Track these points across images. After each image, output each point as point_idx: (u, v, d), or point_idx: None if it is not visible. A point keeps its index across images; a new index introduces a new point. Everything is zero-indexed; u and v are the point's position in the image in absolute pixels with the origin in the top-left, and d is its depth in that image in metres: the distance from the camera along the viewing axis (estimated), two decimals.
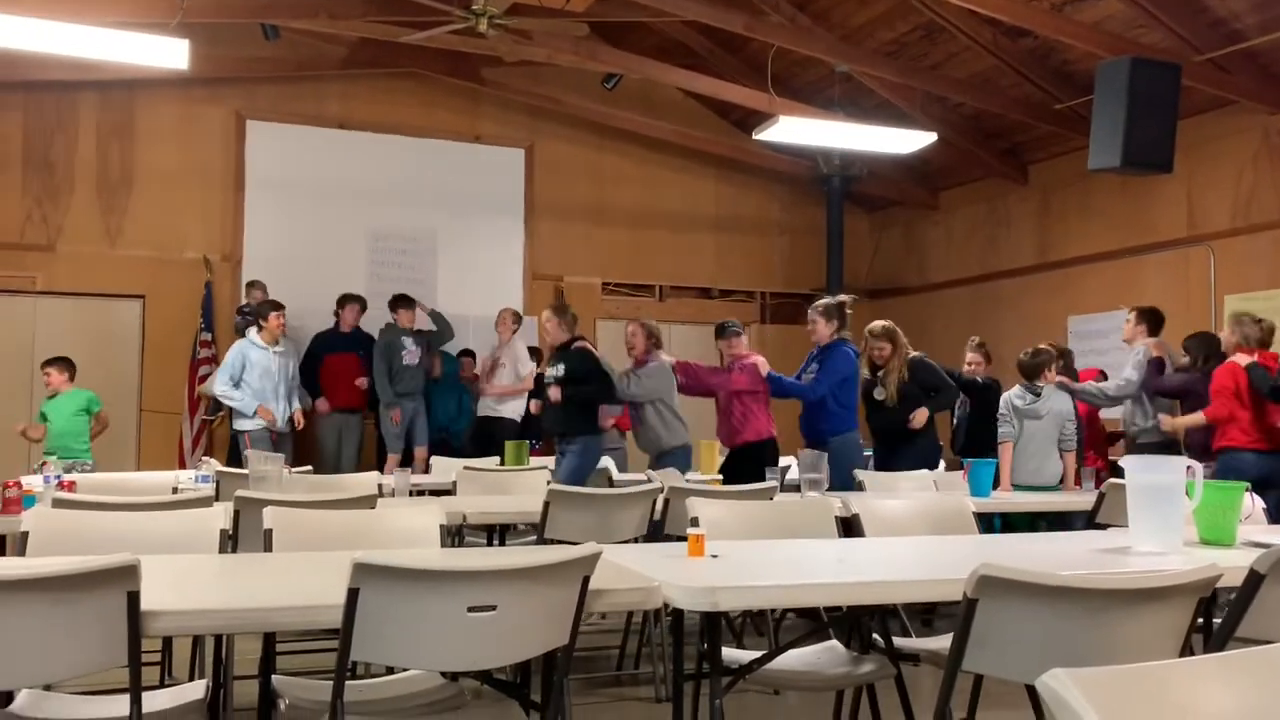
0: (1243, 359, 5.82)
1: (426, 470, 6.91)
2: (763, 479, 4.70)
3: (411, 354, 8.18)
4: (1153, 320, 6.66)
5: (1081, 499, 5.16)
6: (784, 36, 8.26)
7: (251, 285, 8.60)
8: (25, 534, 2.70)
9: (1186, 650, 2.07)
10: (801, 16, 8.57)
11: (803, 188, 10.95)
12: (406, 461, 7.74)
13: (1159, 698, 1.19)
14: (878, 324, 6.34)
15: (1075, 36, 7.25)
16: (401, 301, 8.36)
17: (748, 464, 5.67)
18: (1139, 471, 2.78)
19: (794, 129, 7.95)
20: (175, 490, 4.38)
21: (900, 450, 6.10)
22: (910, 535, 3.31)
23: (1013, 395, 5.96)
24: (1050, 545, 3.22)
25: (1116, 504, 4.42)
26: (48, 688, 2.44)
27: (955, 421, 7.13)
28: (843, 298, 6.40)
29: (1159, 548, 2.66)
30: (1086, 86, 7.27)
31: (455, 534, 4.34)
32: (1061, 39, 7.42)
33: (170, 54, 6.20)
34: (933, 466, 5.90)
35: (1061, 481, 5.85)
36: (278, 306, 7.76)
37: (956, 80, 8.66)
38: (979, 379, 6.96)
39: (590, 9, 7.34)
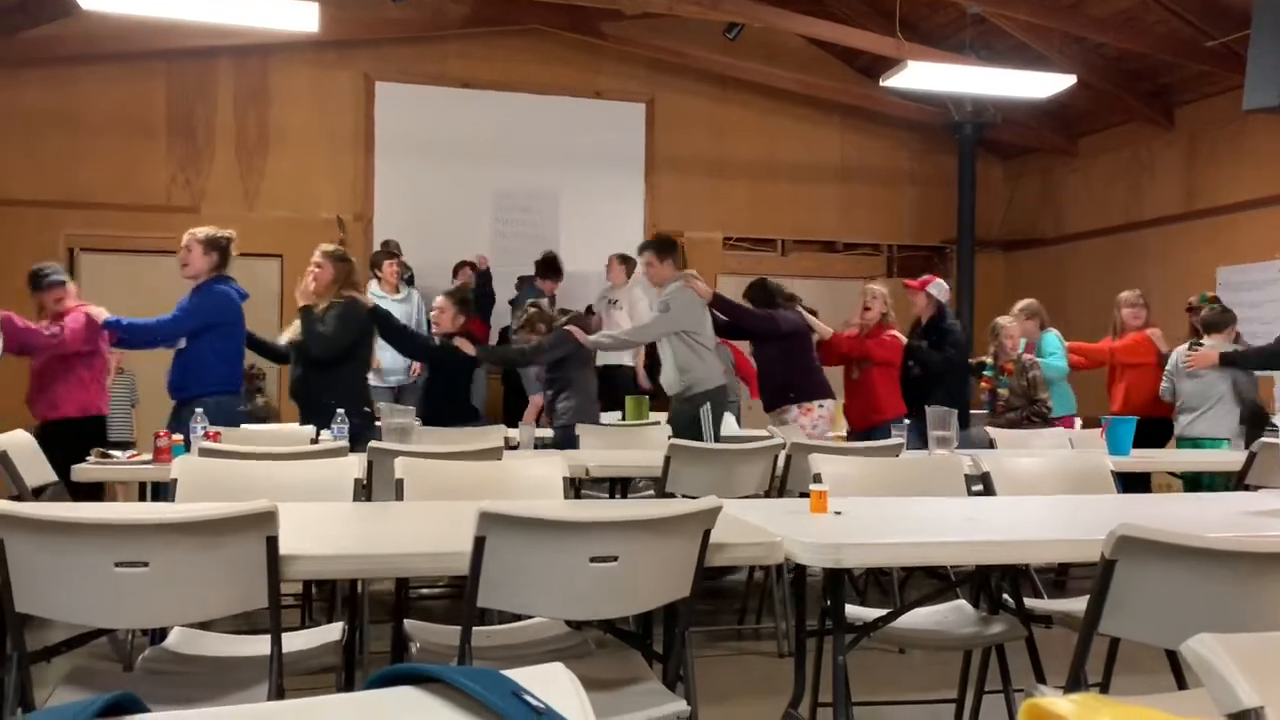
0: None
1: (539, 419, 7.02)
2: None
3: None
4: (666, 248, 5.80)
5: (1232, 458, 4.91)
6: None
7: (385, 245, 8.80)
8: (174, 481, 2.85)
9: None
10: None
11: (933, 136, 10.61)
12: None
13: None
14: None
15: None
16: (548, 270, 8.44)
17: (56, 447, 4.15)
18: None
19: (923, 74, 7.68)
20: (313, 441, 4.55)
21: (312, 409, 4.92)
22: (1044, 494, 3.20)
23: (1178, 351, 6.08)
24: (1194, 506, 3.07)
25: (1269, 465, 4.19)
26: (200, 627, 2.57)
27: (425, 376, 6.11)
28: (228, 233, 5.17)
29: None
30: (1242, 20, 6.79)
31: (575, 487, 4.40)
32: None
33: (301, 17, 6.36)
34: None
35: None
36: (390, 255, 7.92)
37: (1098, 19, 8.21)
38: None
39: None
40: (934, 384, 6.05)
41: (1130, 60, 8.79)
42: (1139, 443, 4.98)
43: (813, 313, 6.37)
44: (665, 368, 5.68)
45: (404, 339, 5.81)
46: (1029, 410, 5.95)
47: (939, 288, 6.45)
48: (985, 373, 6.17)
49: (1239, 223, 8.47)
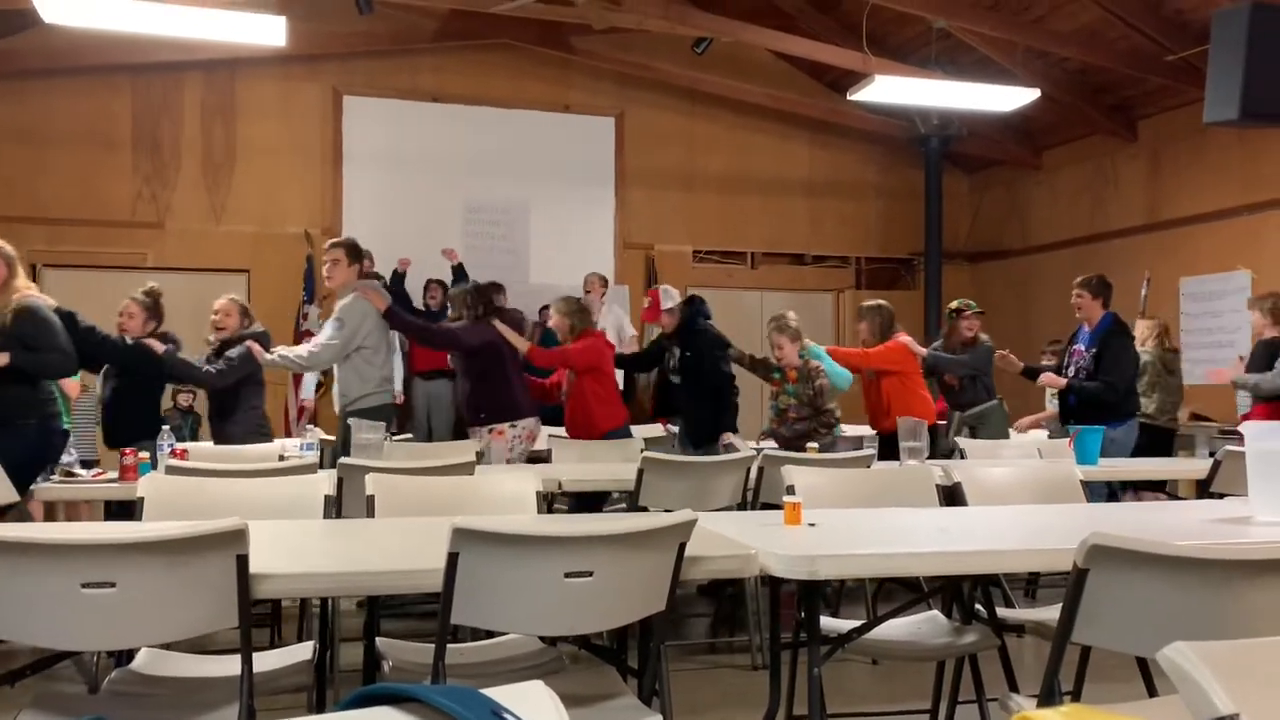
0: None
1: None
2: None
3: None
4: (356, 253, 5.49)
5: (1195, 466, 4.97)
6: None
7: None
8: (141, 499, 2.81)
9: None
10: None
11: (899, 149, 10.70)
12: None
13: None
14: None
15: None
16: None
17: None
18: (1259, 438, 2.65)
19: (890, 89, 7.76)
20: (282, 458, 4.50)
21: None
22: (1015, 504, 3.22)
23: None
24: (1164, 514, 3.10)
25: (1234, 472, 4.24)
26: (166, 648, 2.53)
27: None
28: None
29: None
30: (1201, 36, 6.92)
31: (548, 501, 4.38)
32: None
33: (268, 31, 6.33)
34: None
35: None
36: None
37: (1061, 33, 8.33)
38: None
39: None
40: (690, 388, 5.75)
41: (1093, 74, 8.92)
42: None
43: (518, 325, 5.91)
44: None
45: (93, 342, 4.92)
46: (816, 422, 5.38)
47: (669, 295, 5.92)
48: (775, 375, 5.60)
49: (1201, 234, 8.60)
